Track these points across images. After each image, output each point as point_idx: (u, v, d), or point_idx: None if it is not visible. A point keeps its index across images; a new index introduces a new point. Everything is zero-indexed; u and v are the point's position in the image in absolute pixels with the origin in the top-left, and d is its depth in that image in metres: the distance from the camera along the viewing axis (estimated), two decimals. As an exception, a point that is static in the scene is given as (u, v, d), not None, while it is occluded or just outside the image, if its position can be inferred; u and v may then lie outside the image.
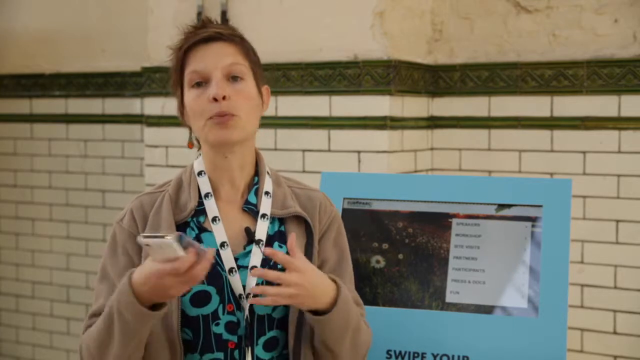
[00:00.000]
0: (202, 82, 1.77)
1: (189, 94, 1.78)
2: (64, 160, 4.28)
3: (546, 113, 3.25)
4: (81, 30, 4.18)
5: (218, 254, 1.75)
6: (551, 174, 3.24)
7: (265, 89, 1.87)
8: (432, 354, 2.14)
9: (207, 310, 1.74)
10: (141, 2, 3.73)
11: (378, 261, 2.29)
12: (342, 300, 1.71)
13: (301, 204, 1.85)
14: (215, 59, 1.76)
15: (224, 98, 1.73)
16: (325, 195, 1.92)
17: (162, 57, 3.52)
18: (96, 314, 1.75)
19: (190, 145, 1.88)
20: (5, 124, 4.44)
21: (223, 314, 1.74)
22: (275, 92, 3.28)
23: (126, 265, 1.76)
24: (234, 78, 1.77)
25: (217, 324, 1.74)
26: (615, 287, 3.17)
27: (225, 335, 1.73)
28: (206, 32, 1.78)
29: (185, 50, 1.78)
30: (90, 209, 4.21)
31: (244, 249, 1.78)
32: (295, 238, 1.65)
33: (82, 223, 4.23)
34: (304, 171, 3.22)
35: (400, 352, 2.16)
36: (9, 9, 4.38)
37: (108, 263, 1.79)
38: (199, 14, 3.40)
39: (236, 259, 1.76)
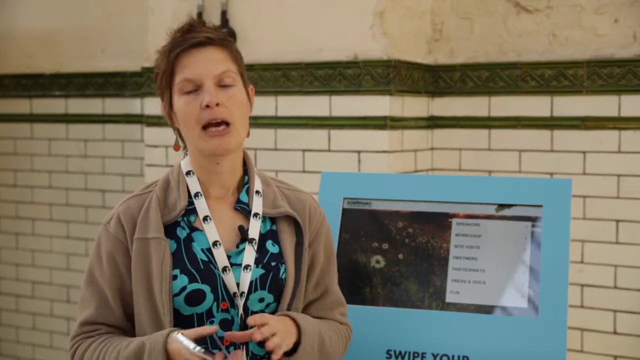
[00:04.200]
0: (192, 89, 1.77)
1: (180, 100, 1.78)
2: (64, 160, 4.27)
3: (546, 113, 3.25)
4: (81, 30, 4.18)
5: (211, 252, 1.77)
6: (551, 174, 3.24)
7: (251, 89, 1.88)
8: (432, 354, 2.14)
9: (202, 308, 1.75)
10: (141, 2, 3.73)
11: (378, 261, 2.29)
12: (305, 337, 1.76)
13: (291, 205, 1.88)
14: (206, 66, 1.76)
15: (217, 105, 1.74)
16: (312, 197, 1.95)
17: (162, 57, 3.55)
18: (88, 322, 1.78)
19: (177, 147, 1.89)
20: (5, 124, 4.44)
21: (217, 311, 1.76)
22: (275, 92, 3.28)
23: (112, 274, 1.77)
24: (224, 85, 1.78)
25: (212, 322, 1.76)
26: (615, 287, 3.16)
27: (220, 333, 1.74)
28: (196, 37, 1.77)
29: (176, 55, 1.77)
30: (90, 209, 4.20)
31: (237, 247, 1.80)
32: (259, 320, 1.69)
33: (82, 223, 4.23)
34: (304, 171, 3.21)
35: (400, 352, 2.15)
36: (9, 9, 4.38)
37: (95, 268, 1.80)
38: (199, 14, 3.40)
39: (229, 257, 1.77)
